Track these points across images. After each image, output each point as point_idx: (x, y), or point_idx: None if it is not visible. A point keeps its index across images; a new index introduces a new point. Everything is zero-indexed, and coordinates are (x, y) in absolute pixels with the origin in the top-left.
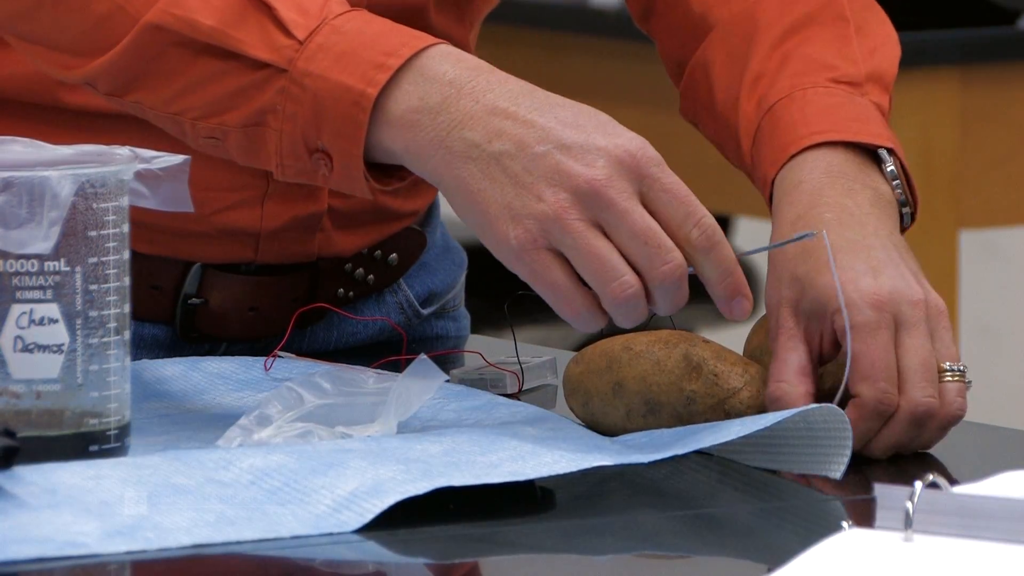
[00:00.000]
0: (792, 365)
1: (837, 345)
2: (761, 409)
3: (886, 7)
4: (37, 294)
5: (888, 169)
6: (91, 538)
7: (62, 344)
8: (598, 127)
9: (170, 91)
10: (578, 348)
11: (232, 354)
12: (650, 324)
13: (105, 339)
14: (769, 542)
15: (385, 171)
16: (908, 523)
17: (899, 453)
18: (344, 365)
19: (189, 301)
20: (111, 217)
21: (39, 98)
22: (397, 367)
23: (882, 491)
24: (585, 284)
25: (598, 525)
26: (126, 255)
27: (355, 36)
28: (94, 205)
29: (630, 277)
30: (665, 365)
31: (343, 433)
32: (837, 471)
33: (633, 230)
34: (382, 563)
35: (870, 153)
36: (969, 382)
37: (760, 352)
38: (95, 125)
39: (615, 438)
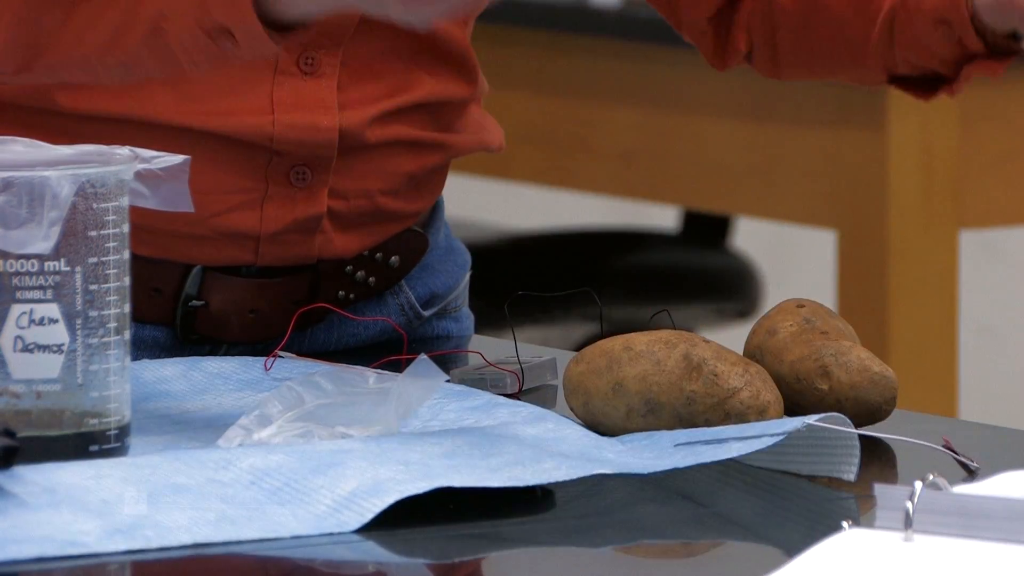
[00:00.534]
0: None
1: None
2: (761, 409)
3: None
4: (37, 294)
5: None
6: (91, 537)
7: (62, 344)
8: None
9: (73, 36)
10: (578, 348)
11: (232, 355)
12: (650, 324)
13: (105, 339)
14: (769, 541)
15: (288, 27)
16: (908, 523)
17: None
18: (344, 365)
19: (190, 303)
20: (111, 217)
21: (35, 101)
22: (397, 367)
23: (882, 491)
24: None
25: (598, 523)
26: (126, 255)
27: None
28: (94, 205)
29: None
30: (665, 365)
31: (343, 433)
32: (850, 473)
33: None
34: (382, 563)
35: None
36: None
37: (760, 352)
38: (92, 128)
39: (615, 438)
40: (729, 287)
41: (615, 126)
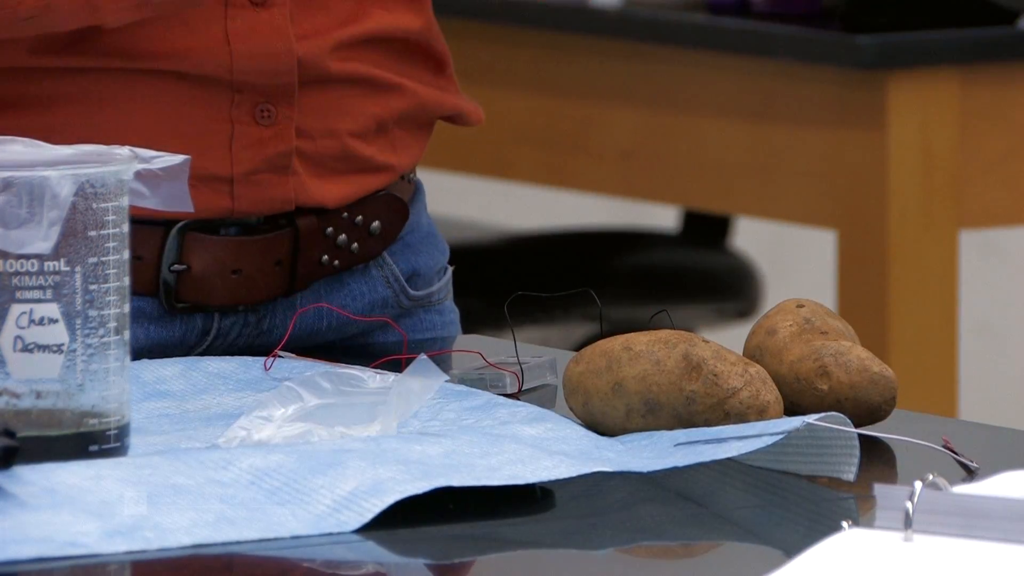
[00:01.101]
0: None
1: None
2: (761, 409)
3: (887, 7)
4: (37, 294)
5: None
6: (91, 538)
7: (62, 344)
8: None
9: None
10: (578, 348)
11: (223, 327)
12: (649, 324)
13: (105, 339)
14: (769, 541)
15: None
16: (908, 523)
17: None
18: (344, 365)
19: (171, 268)
20: (111, 217)
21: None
22: (397, 367)
23: (882, 491)
24: None
25: (598, 523)
26: (126, 255)
27: None
28: (94, 205)
29: None
30: (665, 365)
31: (343, 433)
32: (849, 473)
33: None
34: (382, 563)
35: None
36: None
37: (760, 352)
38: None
39: (615, 438)
40: (729, 287)
41: (615, 126)
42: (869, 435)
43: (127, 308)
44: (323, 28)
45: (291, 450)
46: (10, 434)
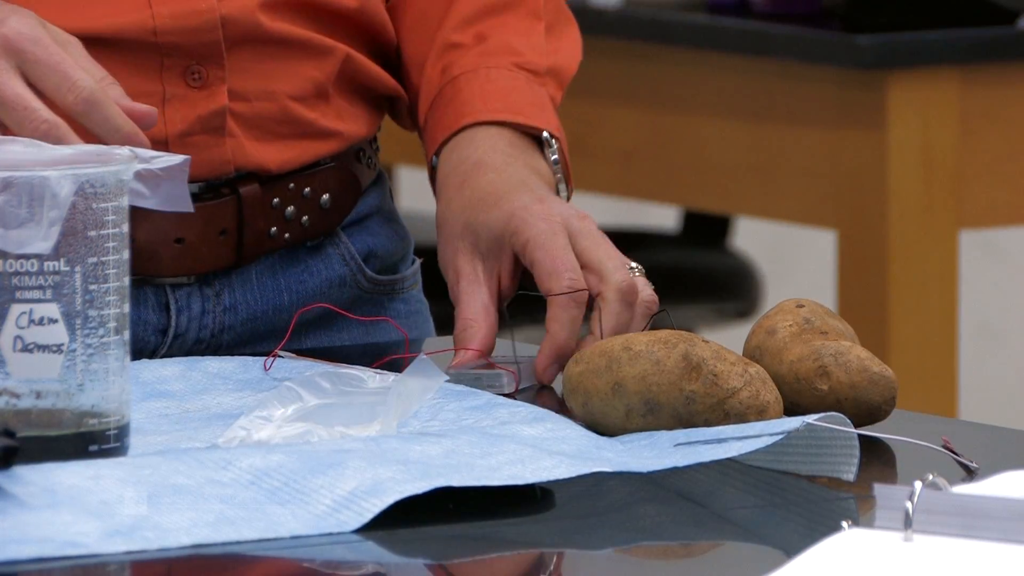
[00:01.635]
0: (476, 304)
1: (515, 279)
2: (761, 409)
3: (887, 7)
4: (37, 294)
5: (552, 158)
6: (91, 538)
7: (62, 344)
8: None
9: None
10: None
11: (180, 303)
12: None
13: (105, 339)
14: (769, 541)
15: None
16: (908, 523)
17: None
18: (344, 365)
19: None
20: (111, 217)
21: None
22: (397, 367)
23: (882, 491)
24: None
25: (598, 523)
26: (126, 255)
27: None
28: (94, 205)
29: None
30: (665, 365)
31: (343, 433)
32: (849, 473)
33: (2, 100)
34: (382, 563)
35: (537, 140)
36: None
37: (760, 352)
38: None
39: (615, 438)
40: (729, 287)
41: (615, 126)
42: (869, 435)
43: (127, 308)
44: None
45: (291, 450)
46: (10, 434)
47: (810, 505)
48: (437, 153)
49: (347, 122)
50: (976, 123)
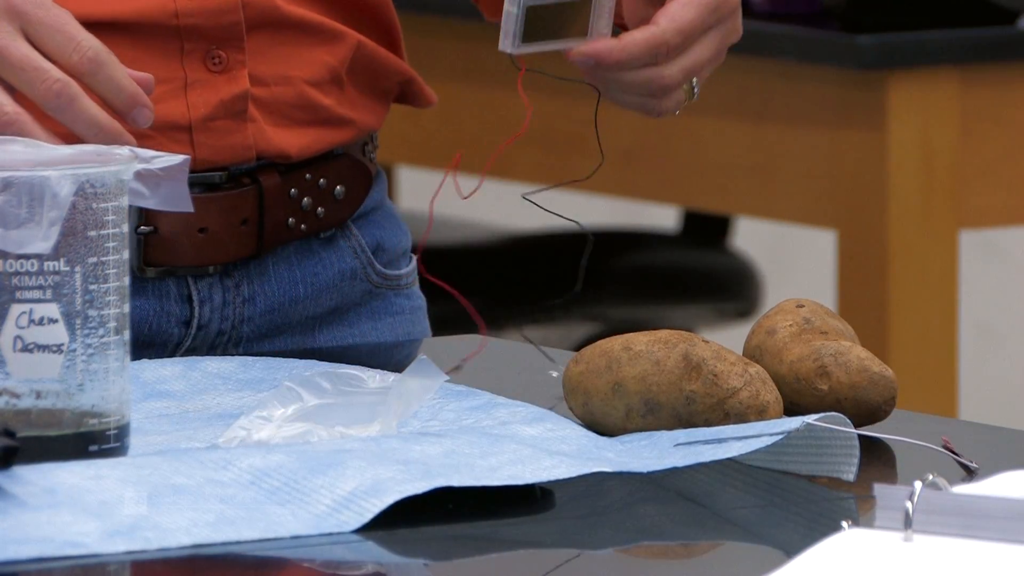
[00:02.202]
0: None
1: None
2: (761, 409)
3: (887, 7)
4: (37, 294)
5: None
6: (91, 538)
7: (62, 344)
8: None
9: None
10: (578, 348)
11: (202, 293)
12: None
13: (105, 339)
14: (769, 541)
15: None
16: (908, 523)
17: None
18: (344, 365)
19: (138, 230)
20: (111, 217)
21: None
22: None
23: (882, 491)
24: None
25: (598, 523)
26: (125, 255)
27: None
28: (94, 205)
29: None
30: (665, 365)
31: (343, 433)
32: (849, 473)
33: (11, 62)
34: (382, 563)
35: None
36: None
37: (760, 352)
38: None
39: (615, 438)
40: (729, 287)
41: (615, 126)
42: (869, 435)
43: (127, 308)
44: None
45: (291, 450)
46: (10, 434)
47: (810, 505)
48: None
49: (359, 111)
50: (976, 123)
